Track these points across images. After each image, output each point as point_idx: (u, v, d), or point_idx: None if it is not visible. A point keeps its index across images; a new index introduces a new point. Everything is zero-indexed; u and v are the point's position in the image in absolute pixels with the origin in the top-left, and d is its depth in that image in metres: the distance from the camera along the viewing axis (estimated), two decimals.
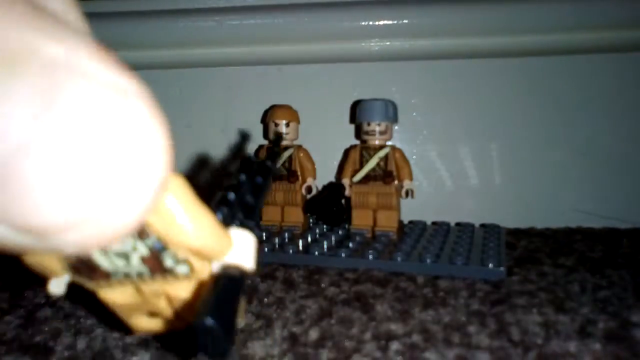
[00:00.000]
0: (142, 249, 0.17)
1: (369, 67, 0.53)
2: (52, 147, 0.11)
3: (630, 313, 0.29)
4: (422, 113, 0.53)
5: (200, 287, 0.18)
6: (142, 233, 0.16)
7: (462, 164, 0.53)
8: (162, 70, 0.54)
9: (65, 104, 0.11)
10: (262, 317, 0.30)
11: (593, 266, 0.38)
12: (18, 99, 0.11)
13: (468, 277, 0.36)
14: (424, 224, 0.49)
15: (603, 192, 0.52)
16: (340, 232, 0.46)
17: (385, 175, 0.44)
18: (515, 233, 0.49)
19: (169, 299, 0.19)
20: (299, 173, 0.47)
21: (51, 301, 0.34)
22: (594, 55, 0.51)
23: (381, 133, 0.45)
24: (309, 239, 0.44)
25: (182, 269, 0.18)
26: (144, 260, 0.17)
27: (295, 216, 0.48)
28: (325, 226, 0.48)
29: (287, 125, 0.47)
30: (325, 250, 0.41)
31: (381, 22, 0.50)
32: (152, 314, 0.21)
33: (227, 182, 0.21)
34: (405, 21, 0.50)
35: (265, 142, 0.49)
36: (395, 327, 0.28)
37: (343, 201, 0.46)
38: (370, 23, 0.50)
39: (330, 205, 0.45)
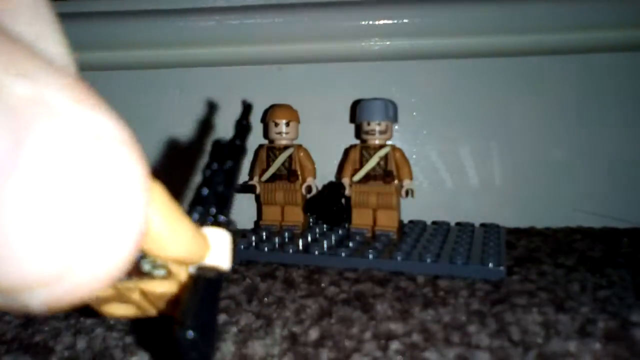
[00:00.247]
0: None
1: (369, 67, 0.53)
2: (22, 194, 0.10)
3: (630, 312, 0.29)
4: (422, 113, 0.53)
5: (177, 285, 0.18)
6: None
7: (462, 163, 0.53)
8: (162, 70, 0.54)
9: (35, 145, 0.10)
10: (262, 317, 0.30)
11: (593, 266, 0.38)
12: None
13: (468, 276, 0.36)
14: (424, 223, 0.49)
15: (603, 192, 0.52)
16: (340, 231, 0.46)
17: (385, 174, 0.44)
18: (515, 233, 0.49)
19: (144, 293, 0.19)
20: (299, 172, 0.47)
21: None
22: (594, 55, 0.51)
23: (381, 132, 0.45)
24: (309, 239, 0.44)
25: (159, 273, 0.18)
26: None
27: (295, 216, 0.48)
28: (325, 226, 0.48)
29: (287, 124, 0.47)
30: (325, 249, 0.41)
31: (381, 22, 0.50)
32: (125, 302, 0.21)
33: (201, 174, 0.20)
34: (405, 21, 0.50)
35: (266, 142, 0.49)
36: (395, 327, 0.28)
37: (343, 201, 0.46)
38: (370, 23, 0.50)
39: (330, 205, 0.45)
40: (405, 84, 0.53)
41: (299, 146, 0.48)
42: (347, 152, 0.48)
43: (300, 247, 0.42)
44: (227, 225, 0.19)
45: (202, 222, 0.18)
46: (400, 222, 0.47)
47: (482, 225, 0.50)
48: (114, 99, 0.54)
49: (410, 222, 0.50)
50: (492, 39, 0.50)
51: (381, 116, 0.45)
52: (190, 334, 0.15)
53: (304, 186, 0.47)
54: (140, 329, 0.29)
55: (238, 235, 0.44)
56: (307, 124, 0.49)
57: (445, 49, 0.51)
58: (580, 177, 0.52)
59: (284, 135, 0.47)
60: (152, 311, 0.20)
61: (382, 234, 0.44)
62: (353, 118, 0.52)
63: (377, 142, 0.45)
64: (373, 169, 0.45)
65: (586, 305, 0.30)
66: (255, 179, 0.48)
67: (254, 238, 0.44)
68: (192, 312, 0.16)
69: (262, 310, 0.31)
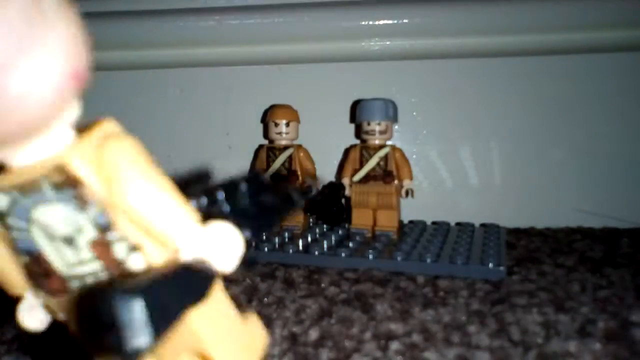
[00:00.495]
0: (88, 230, 0.15)
1: (369, 67, 0.53)
2: None
3: (630, 313, 0.29)
4: (422, 113, 0.53)
5: None
6: (80, 197, 0.14)
7: (462, 163, 0.53)
8: (162, 70, 0.54)
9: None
10: (262, 317, 0.30)
11: (593, 266, 0.38)
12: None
13: (468, 276, 0.36)
14: (424, 223, 0.49)
15: (603, 192, 0.52)
16: (340, 231, 0.46)
17: (385, 175, 0.44)
18: (516, 233, 0.49)
19: None
20: (299, 173, 0.47)
21: None
22: (594, 55, 0.51)
23: (381, 133, 0.45)
24: (309, 239, 0.44)
25: (135, 260, 0.15)
26: (92, 245, 0.15)
27: (295, 216, 0.48)
28: (325, 226, 0.48)
29: (287, 124, 0.47)
30: (325, 250, 0.41)
31: (381, 22, 0.50)
32: None
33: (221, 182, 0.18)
34: (405, 21, 0.50)
35: (266, 142, 0.49)
36: (395, 327, 0.28)
37: (343, 201, 0.46)
38: (370, 23, 0.50)
39: (330, 205, 0.45)
40: (405, 84, 0.53)
41: (299, 146, 0.48)
42: (347, 152, 0.48)
43: (300, 247, 0.42)
44: (243, 229, 0.16)
45: (204, 212, 0.16)
46: (400, 222, 0.47)
47: (482, 225, 0.50)
48: (115, 99, 0.54)
49: (410, 222, 0.50)
50: (492, 39, 0.50)
51: (381, 116, 0.45)
52: (135, 296, 0.11)
53: (304, 187, 0.47)
54: None
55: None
56: (307, 124, 0.49)
57: (445, 49, 0.51)
58: (580, 177, 0.52)
59: (284, 135, 0.47)
60: None
61: (382, 234, 0.44)
62: (353, 118, 0.52)
63: (377, 142, 0.45)
64: (373, 169, 0.45)
65: (586, 305, 0.30)
66: None
67: None
68: (150, 283, 0.12)
69: (262, 311, 0.31)
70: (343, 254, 0.40)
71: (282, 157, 0.47)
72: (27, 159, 0.14)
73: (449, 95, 0.53)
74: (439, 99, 0.53)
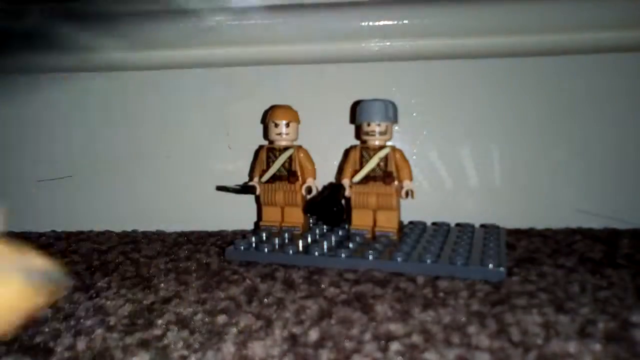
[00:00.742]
0: None
1: (369, 67, 0.53)
2: None
3: (630, 313, 0.29)
4: (422, 113, 0.53)
5: None
6: None
7: (462, 164, 0.53)
8: (162, 71, 0.54)
9: None
10: (262, 318, 0.30)
11: (593, 267, 0.38)
12: None
13: (468, 277, 0.36)
14: (424, 224, 0.49)
15: (603, 192, 0.52)
16: (340, 232, 0.46)
17: (385, 175, 0.44)
18: (516, 233, 0.49)
19: None
20: (299, 173, 0.47)
21: (51, 302, 0.34)
22: (594, 56, 0.51)
23: (381, 133, 0.45)
24: (309, 240, 0.44)
25: None
26: None
27: (296, 217, 0.48)
28: (325, 227, 0.48)
29: (287, 125, 0.47)
30: (325, 250, 0.41)
31: (381, 23, 0.50)
32: None
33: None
34: (406, 21, 0.50)
35: (266, 143, 0.49)
36: (395, 328, 0.28)
37: (343, 202, 0.46)
38: (371, 23, 0.50)
39: (330, 206, 0.45)
40: (405, 84, 0.53)
41: (299, 147, 0.48)
42: (347, 153, 0.48)
43: (300, 248, 0.42)
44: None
45: None
46: (400, 223, 0.47)
47: (482, 226, 0.50)
48: (115, 99, 0.55)
49: (410, 223, 0.50)
50: (492, 40, 0.50)
51: (381, 117, 0.45)
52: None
53: (304, 187, 0.47)
54: (140, 328, 0.29)
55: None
56: (307, 125, 0.49)
57: (445, 49, 0.51)
58: (580, 177, 0.52)
59: (284, 136, 0.47)
60: None
61: (382, 235, 0.44)
62: (353, 119, 0.52)
63: (377, 143, 0.45)
64: (373, 170, 0.45)
65: (586, 306, 0.30)
66: (255, 179, 0.48)
67: (254, 239, 0.44)
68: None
69: (262, 311, 0.31)
70: (343, 255, 0.40)
71: (282, 158, 0.47)
72: None
73: (449, 96, 0.53)
74: (439, 100, 0.53)
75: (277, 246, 0.43)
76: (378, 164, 0.45)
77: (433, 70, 0.53)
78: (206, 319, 0.30)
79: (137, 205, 0.57)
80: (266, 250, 0.42)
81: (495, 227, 0.48)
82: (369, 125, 0.45)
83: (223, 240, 0.50)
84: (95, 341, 0.28)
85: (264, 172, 0.48)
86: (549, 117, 0.52)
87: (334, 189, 0.46)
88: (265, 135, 0.50)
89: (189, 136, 0.55)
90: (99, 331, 0.29)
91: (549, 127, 0.52)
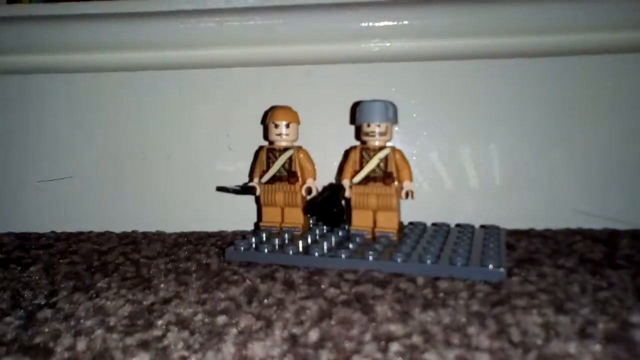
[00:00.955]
0: None
1: (369, 68, 0.53)
2: None
3: (630, 314, 0.29)
4: (421, 114, 0.53)
5: None
6: None
7: (462, 164, 0.53)
8: (162, 71, 0.54)
9: None
10: (262, 318, 0.30)
11: (593, 267, 0.38)
12: None
13: (468, 278, 0.36)
14: (424, 225, 0.49)
15: (603, 193, 0.52)
16: (340, 233, 0.46)
17: (385, 176, 0.44)
18: (516, 234, 0.49)
19: None
20: (299, 174, 0.47)
21: (51, 302, 0.34)
22: (594, 56, 0.51)
23: (381, 134, 0.45)
24: (309, 240, 0.44)
25: None
26: None
27: (296, 217, 0.48)
28: (325, 227, 0.48)
29: (287, 126, 0.47)
30: (325, 251, 0.41)
31: (381, 23, 0.50)
32: None
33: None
34: (406, 22, 0.50)
35: (266, 143, 0.49)
36: (395, 328, 0.28)
37: (343, 202, 0.46)
38: (371, 24, 0.50)
39: (330, 206, 0.45)
40: (405, 85, 0.53)
41: (299, 148, 0.48)
42: (347, 153, 0.48)
43: (300, 249, 0.42)
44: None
45: None
46: (400, 224, 0.47)
47: (482, 226, 0.50)
48: (115, 99, 0.55)
49: (410, 223, 0.50)
50: (492, 41, 0.50)
51: (381, 118, 0.45)
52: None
53: (304, 188, 0.47)
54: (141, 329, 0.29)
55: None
56: (307, 126, 0.49)
57: (445, 50, 0.51)
58: (580, 179, 0.52)
59: (284, 136, 0.47)
60: None
61: (382, 236, 0.44)
62: (353, 119, 0.52)
63: (377, 143, 0.45)
64: (373, 170, 0.45)
65: (586, 306, 0.30)
66: (255, 180, 0.48)
67: (254, 240, 0.44)
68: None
69: (262, 312, 0.31)
70: (343, 256, 0.40)
71: (282, 159, 0.47)
72: None
73: (449, 96, 0.53)
74: (439, 101, 0.53)
75: (277, 247, 0.43)
76: (378, 165, 0.45)
77: (433, 71, 0.53)
78: (206, 320, 0.30)
79: (137, 205, 0.57)
80: (266, 250, 0.42)
81: (495, 228, 0.48)
82: (368, 125, 0.45)
83: (223, 241, 0.50)
84: (95, 342, 0.28)
85: (264, 172, 0.48)
86: (549, 117, 0.52)
87: (334, 190, 0.46)
88: (265, 135, 0.50)
89: (189, 137, 0.55)
90: (99, 332, 0.29)
91: (549, 128, 0.52)
